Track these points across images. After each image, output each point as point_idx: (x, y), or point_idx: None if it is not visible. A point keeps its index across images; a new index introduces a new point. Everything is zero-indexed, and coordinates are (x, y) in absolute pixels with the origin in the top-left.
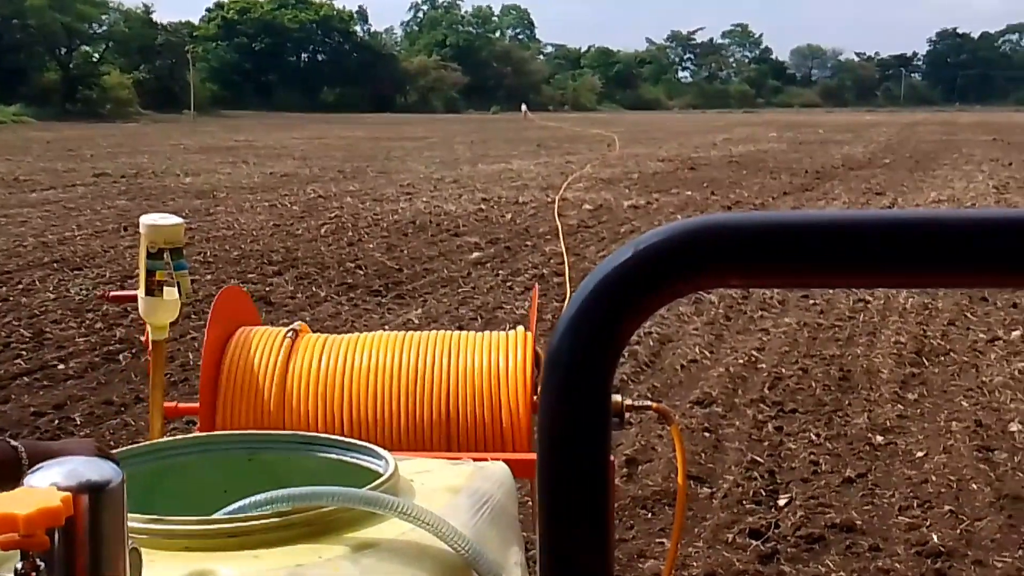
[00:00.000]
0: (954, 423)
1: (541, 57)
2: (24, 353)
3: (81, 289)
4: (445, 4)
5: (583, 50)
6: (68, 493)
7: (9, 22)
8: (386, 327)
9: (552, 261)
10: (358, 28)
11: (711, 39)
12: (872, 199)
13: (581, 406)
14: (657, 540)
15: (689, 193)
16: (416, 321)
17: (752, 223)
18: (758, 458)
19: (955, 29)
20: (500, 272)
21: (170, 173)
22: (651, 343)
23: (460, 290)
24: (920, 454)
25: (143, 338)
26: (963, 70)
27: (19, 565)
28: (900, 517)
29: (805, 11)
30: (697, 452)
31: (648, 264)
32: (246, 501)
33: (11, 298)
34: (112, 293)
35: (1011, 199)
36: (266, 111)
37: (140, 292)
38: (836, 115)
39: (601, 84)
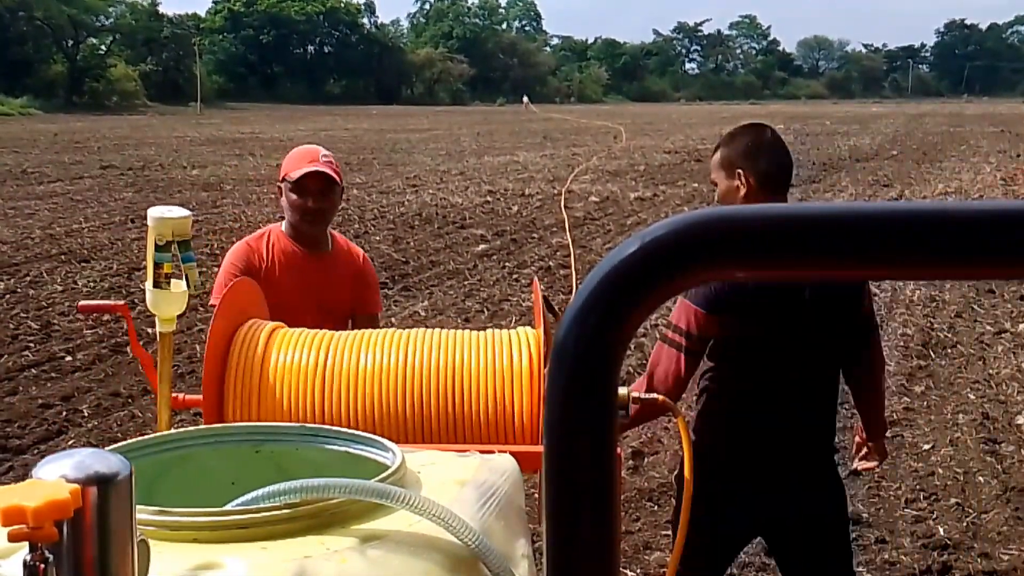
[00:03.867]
0: (961, 416)
1: (547, 49)
2: (32, 345)
3: (88, 281)
4: None
5: (589, 42)
6: (76, 485)
7: (15, 14)
8: (393, 319)
9: (558, 253)
10: (365, 20)
11: (718, 30)
12: (879, 191)
13: (587, 398)
14: (663, 532)
15: (695, 185)
16: (422, 313)
17: (758, 215)
18: None
19: (963, 20)
20: (506, 264)
21: (176, 165)
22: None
23: (466, 282)
24: (926, 447)
25: (130, 349)
26: (970, 61)
27: (28, 557)
28: (906, 510)
29: (812, 2)
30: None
31: (654, 256)
32: (256, 493)
33: (19, 290)
34: (82, 303)
35: (1018, 191)
36: (272, 103)
37: (148, 284)
38: (843, 107)
39: (607, 76)
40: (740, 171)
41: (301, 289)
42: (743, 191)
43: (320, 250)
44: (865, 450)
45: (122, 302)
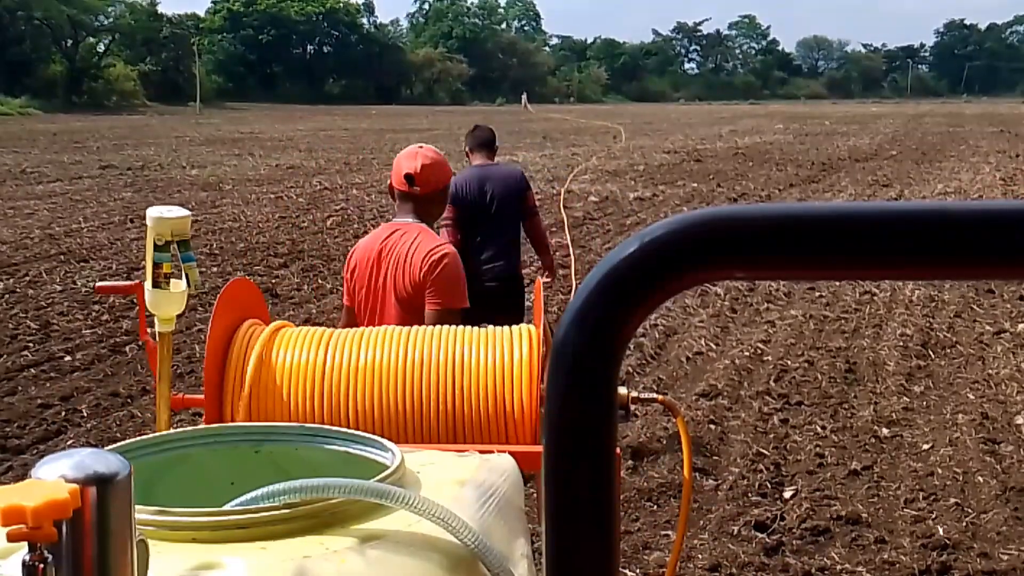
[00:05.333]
0: (960, 415)
1: (547, 49)
2: (31, 345)
3: (88, 281)
4: None
5: (589, 41)
6: (76, 485)
7: (14, 14)
8: None
9: (558, 253)
10: (364, 20)
11: (717, 30)
12: (878, 191)
13: (587, 398)
14: (662, 532)
15: (695, 185)
16: None
17: (758, 215)
18: (764, 450)
19: (962, 20)
20: None
21: (176, 165)
22: (657, 335)
23: None
24: (926, 446)
25: (139, 337)
26: (970, 61)
27: (26, 557)
28: (906, 509)
29: (811, 2)
30: (703, 444)
31: (654, 257)
32: (256, 493)
33: (18, 290)
34: (99, 284)
35: (1018, 191)
36: (271, 103)
37: (147, 284)
38: (842, 107)
39: (607, 76)
40: (466, 147)
41: None
42: (467, 155)
43: None
44: (545, 272)
45: (137, 282)
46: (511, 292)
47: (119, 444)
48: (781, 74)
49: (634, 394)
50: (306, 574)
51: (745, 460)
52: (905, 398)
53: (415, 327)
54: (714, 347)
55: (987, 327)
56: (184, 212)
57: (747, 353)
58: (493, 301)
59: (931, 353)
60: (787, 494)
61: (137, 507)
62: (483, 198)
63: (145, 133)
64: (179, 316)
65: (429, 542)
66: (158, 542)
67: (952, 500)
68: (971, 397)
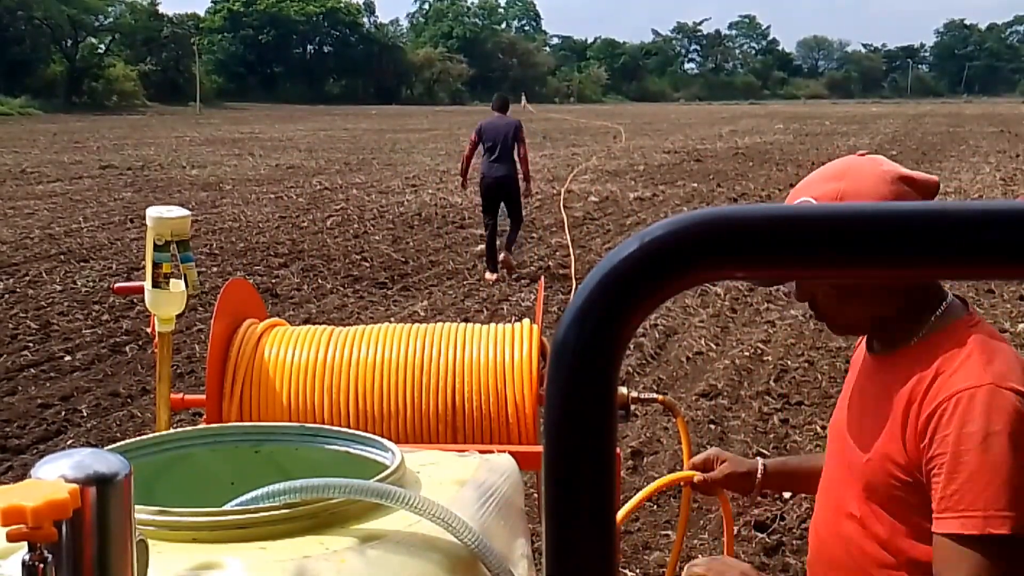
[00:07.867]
0: None
1: (547, 49)
2: (31, 345)
3: (88, 281)
4: None
5: (589, 41)
6: (75, 485)
7: (14, 14)
8: (392, 319)
9: (558, 253)
10: (364, 20)
11: (717, 30)
12: None
13: (587, 398)
14: (662, 532)
15: (695, 185)
16: (422, 313)
17: (758, 215)
18: (764, 450)
19: (962, 20)
20: None
21: (176, 165)
22: (657, 335)
23: (466, 282)
24: None
25: (149, 330)
26: (970, 61)
27: (26, 557)
28: None
29: (812, 2)
30: (703, 444)
31: (654, 257)
32: (256, 493)
33: (18, 290)
34: (117, 285)
35: (1018, 191)
36: (271, 103)
37: (146, 284)
38: (842, 107)
39: (607, 76)
40: (492, 105)
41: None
42: (493, 110)
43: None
44: (524, 181)
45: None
46: (512, 186)
47: (119, 444)
48: (781, 74)
49: (634, 394)
50: (306, 574)
51: None
52: None
53: (413, 325)
54: (714, 347)
55: None
56: (184, 212)
57: (747, 353)
58: (500, 191)
59: None
60: (787, 494)
61: (137, 507)
62: (496, 133)
63: (145, 133)
64: (179, 316)
65: (429, 542)
66: (158, 542)
67: None
68: None
